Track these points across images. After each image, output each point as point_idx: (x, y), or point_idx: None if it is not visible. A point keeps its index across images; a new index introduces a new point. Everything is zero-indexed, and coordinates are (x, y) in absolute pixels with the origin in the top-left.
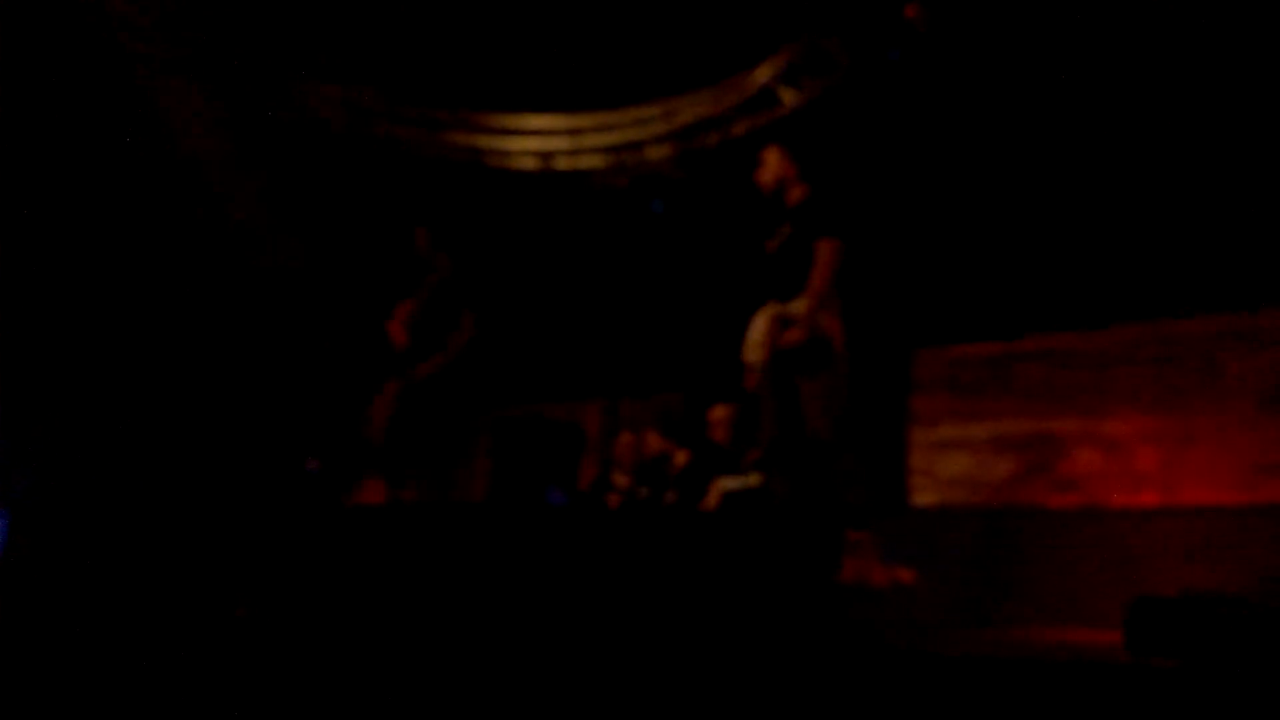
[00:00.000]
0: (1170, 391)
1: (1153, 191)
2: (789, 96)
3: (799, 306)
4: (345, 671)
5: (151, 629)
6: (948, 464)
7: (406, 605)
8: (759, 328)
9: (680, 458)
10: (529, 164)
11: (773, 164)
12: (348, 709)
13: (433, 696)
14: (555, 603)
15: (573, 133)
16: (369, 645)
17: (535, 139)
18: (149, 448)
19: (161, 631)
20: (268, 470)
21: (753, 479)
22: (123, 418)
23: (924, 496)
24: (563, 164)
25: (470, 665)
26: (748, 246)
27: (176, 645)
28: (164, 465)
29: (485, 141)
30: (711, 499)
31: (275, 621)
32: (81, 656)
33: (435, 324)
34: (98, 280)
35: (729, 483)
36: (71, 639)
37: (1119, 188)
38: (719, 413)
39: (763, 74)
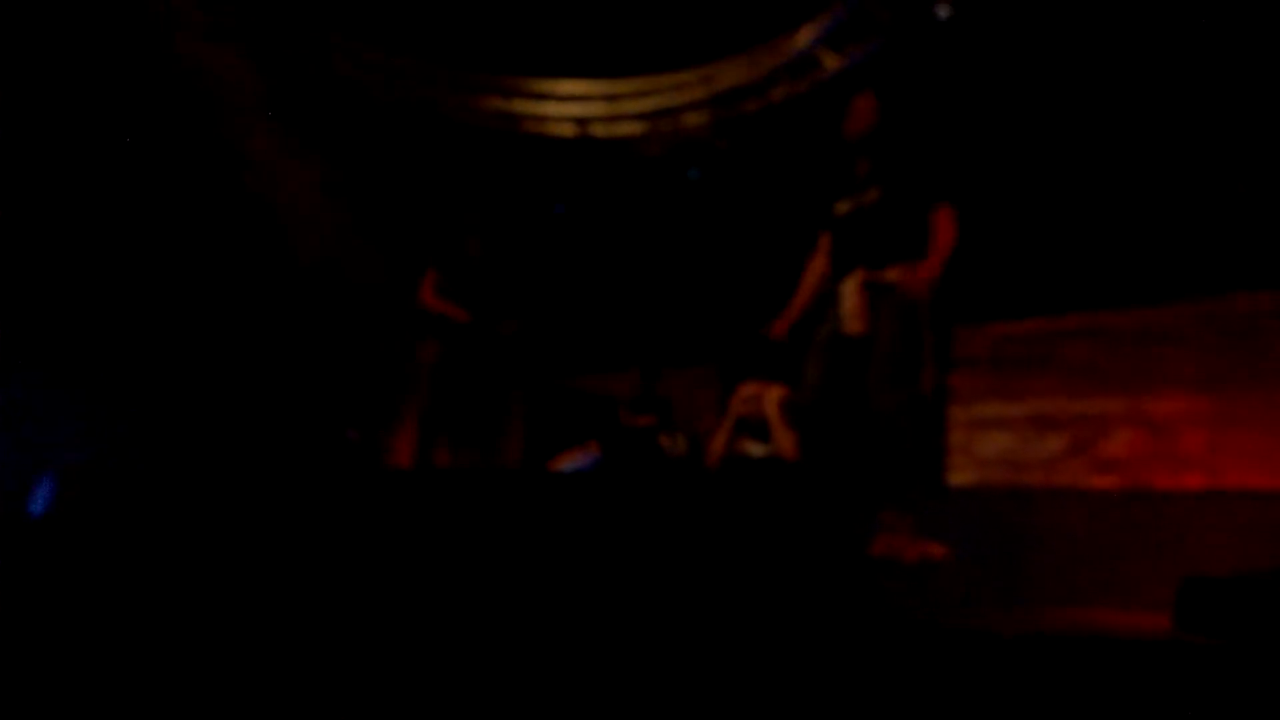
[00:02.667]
0: (1216, 372)
1: (1203, 166)
2: (830, 60)
3: (895, 274)
4: (375, 637)
5: (192, 599)
6: (987, 443)
7: (437, 569)
8: (852, 296)
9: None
10: (566, 130)
11: (865, 112)
12: (379, 672)
13: (457, 663)
14: (580, 568)
15: (610, 98)
16: (399, 612)
17: (572, 104)
18: (196, 418)
19: (201, 602)
20: (310, 440)
21: (756, 447)
22: (171, 389)
23: (962, 475)
24: (600, 130)
25: (499, 630)
26: (797, 211)
27: (217, 615)
28: (211, 435)
29: (522, 107)
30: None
31: (306, 588)
32: (118, 627)
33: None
34: (140, 249)
35: (755, 448)
36: (110, 609)
37: (1169, 161)
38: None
39: (803, 38)
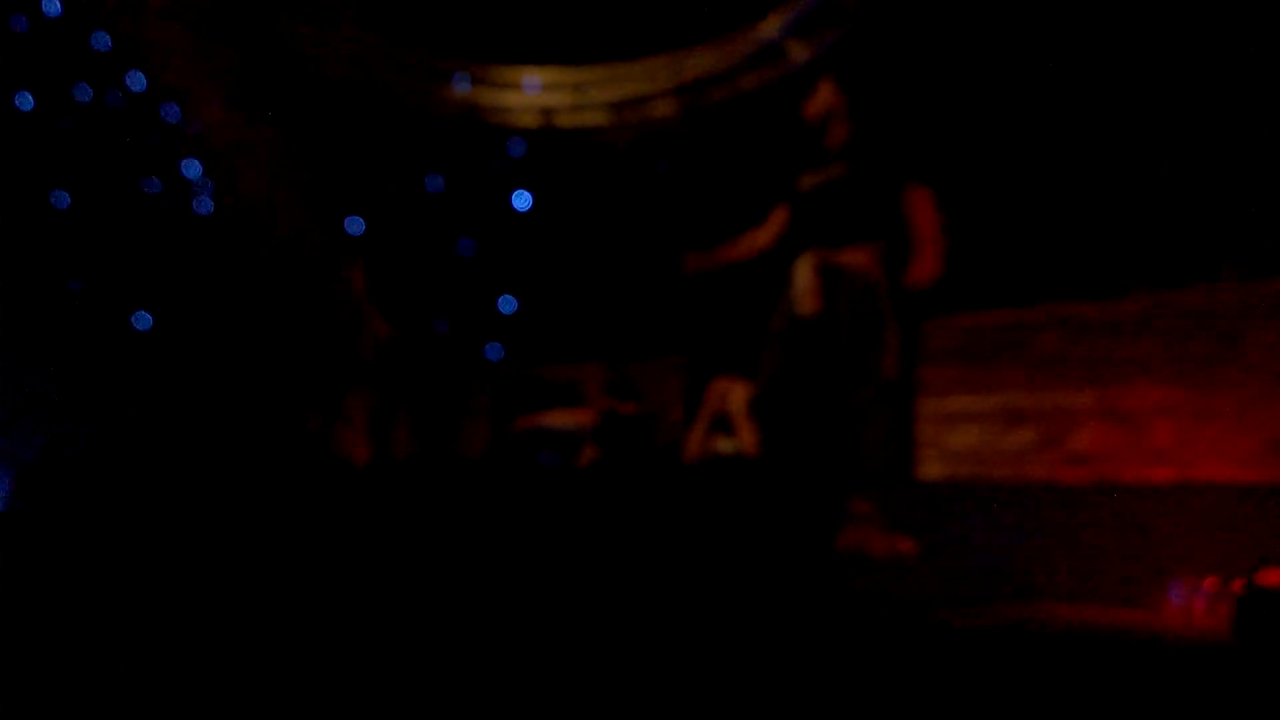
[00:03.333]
0: (1189, 364)
1: (1174, 155)
2: (799, 49)
3: (851, 257)
4: (347, 632)
5: (154, 596)
6: (957, 436)
7: (403, 559)
8: (805, 276)
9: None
10: (530, 120)
11: (825, 96)
12: (349, 669)
13: (427, 658)
14: (548, 561)
15: (576, 87)
16: (371, 604)
17: (537, 93)
18: (157, 413)
19: (162, 599)
20: (270, 432)
21: (725, 442)
22: (131, 382)
23: (931, 469)
24: (565, 120)
25: (469, 625)
26: (766, 200)
27: (178, 614)
28: (172, 429)
29: (486, 96)
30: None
31: (278, 581)
32: (84, 627)
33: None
34: (101, 241)
35: (725, 444)
36: (74, 607)
37: (1139, 150)
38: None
39: (770, 26)
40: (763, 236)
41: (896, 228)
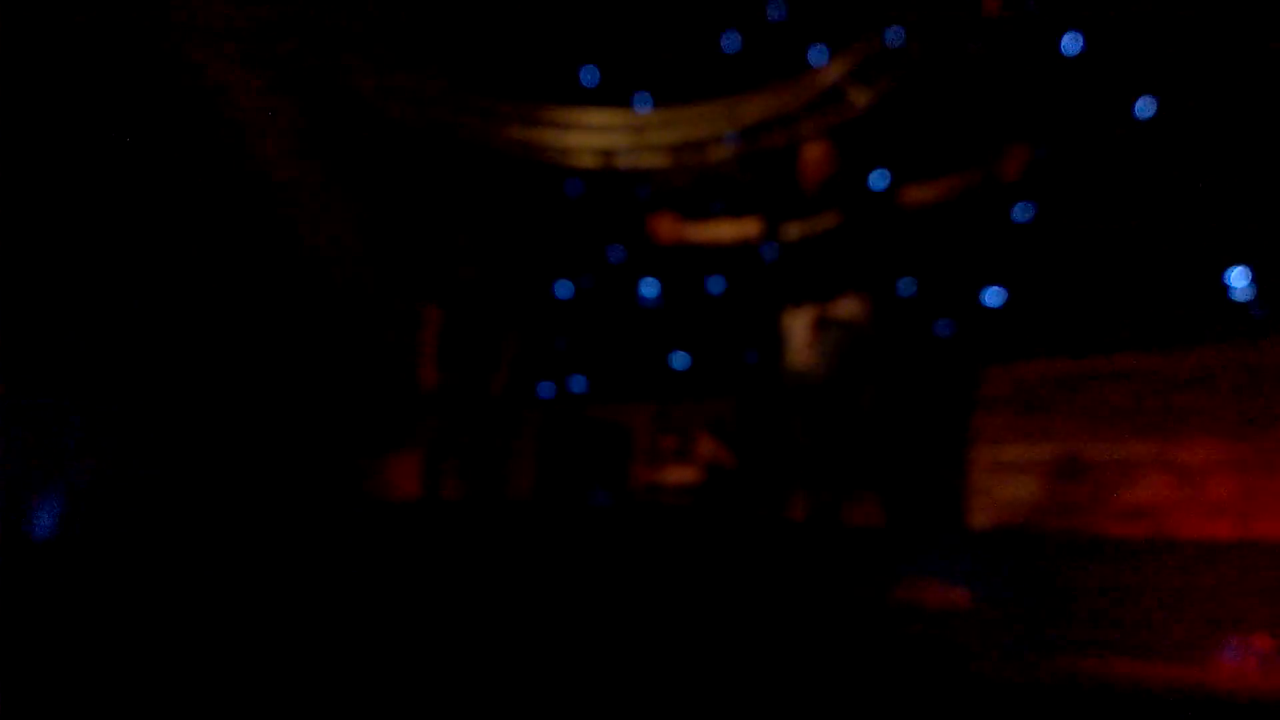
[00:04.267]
0: (1250, 419)
1: (1238, 208)
2: (859, 96)
3: (844, 307)
4: (377, 663)
5: (193, 628)
6: (1010, 485)
7: (445, 600)
8: (802, 331)
9: (728, 462)
10: (589, 161)
11: (818, 158)
12: (378, 700)
13: (461, 692)
14: (593, 602)
15: (635, 129)
16: (404, 638)
17: (597, 135)
18: (203, 442)
19: (201, 632)
20: (316, 467)
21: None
22: (180, 410)
23: (983, 518)
24: (624, 162)
25: (505, 662)
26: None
27: (215, 647)
28: (218, 460)
29: (546, 136)
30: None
31: (306, 613)
32: (118, 657)
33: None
34: (154, 266)
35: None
36: (112, 631)
37: (1203, 202)
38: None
39: (832, 72)
40: (729, 231)
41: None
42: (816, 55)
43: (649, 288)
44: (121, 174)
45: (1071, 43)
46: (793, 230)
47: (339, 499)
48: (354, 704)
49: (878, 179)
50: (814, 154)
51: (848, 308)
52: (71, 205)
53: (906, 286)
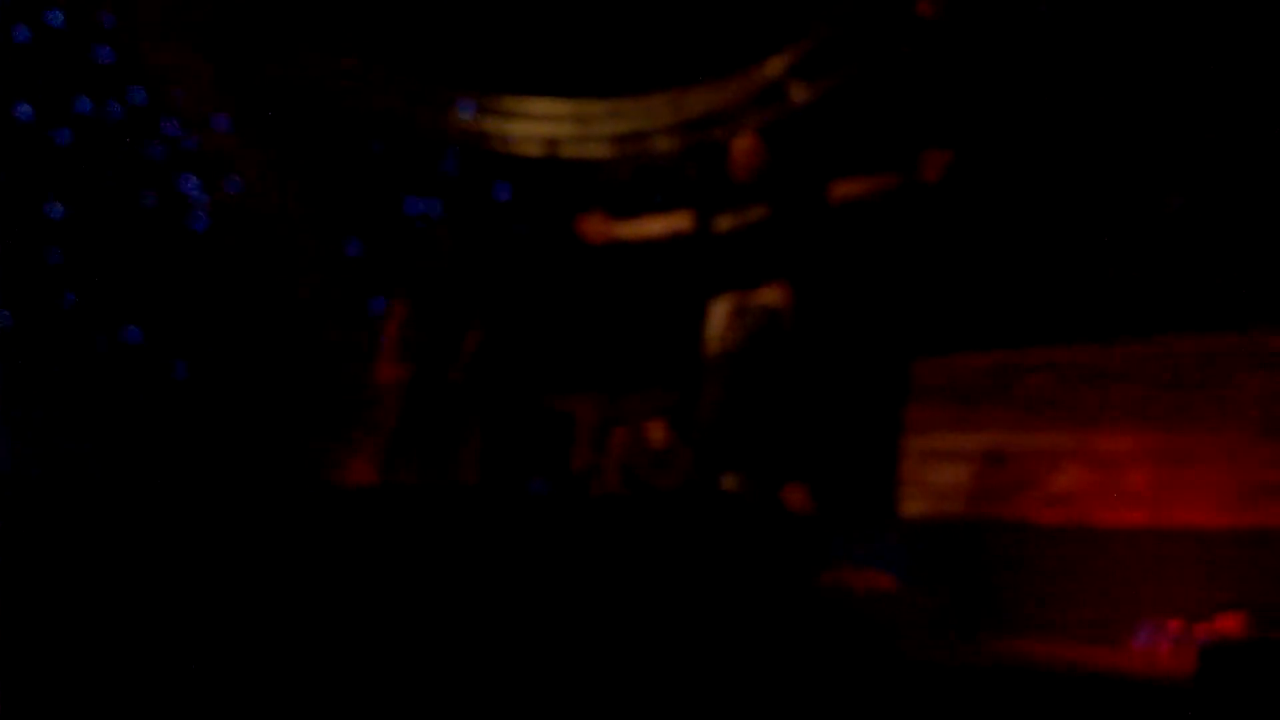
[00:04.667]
0: (1171, 410)
1: (1164, 205)
2: (799, 92)
3: (764, 295)
4: (333, 654)
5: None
6: (940, 474)
7: (393, 586)
8: (721, 317)
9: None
10: (534, 150)
11: (746, 150)
12: (337, 690)
13: (414, 681)
14: (536, 591)
15: (580, 119)
16: (356, 628)
17: (542, 123)
18: (148, 426)
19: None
20: (267, 452)
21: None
22: (125, 397)
23: (914, 506)
24: (568, 151)
25: (452, 649)
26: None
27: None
28: (157, 443)
29: (491, 125)
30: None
31: (263, 605)
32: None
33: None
34: (92, 249)
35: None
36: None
37: (1130, 199)
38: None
39: (774, 67)
40: (659, 226)
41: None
42: (760, 50)
43: (597, 277)
44: (64, 155)
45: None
46: (723, 222)
47: (289, 484)
48: (306, 685)
49: (807, 173)
50: (743, 146)
51: (768, 296)
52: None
53: (839, 278)
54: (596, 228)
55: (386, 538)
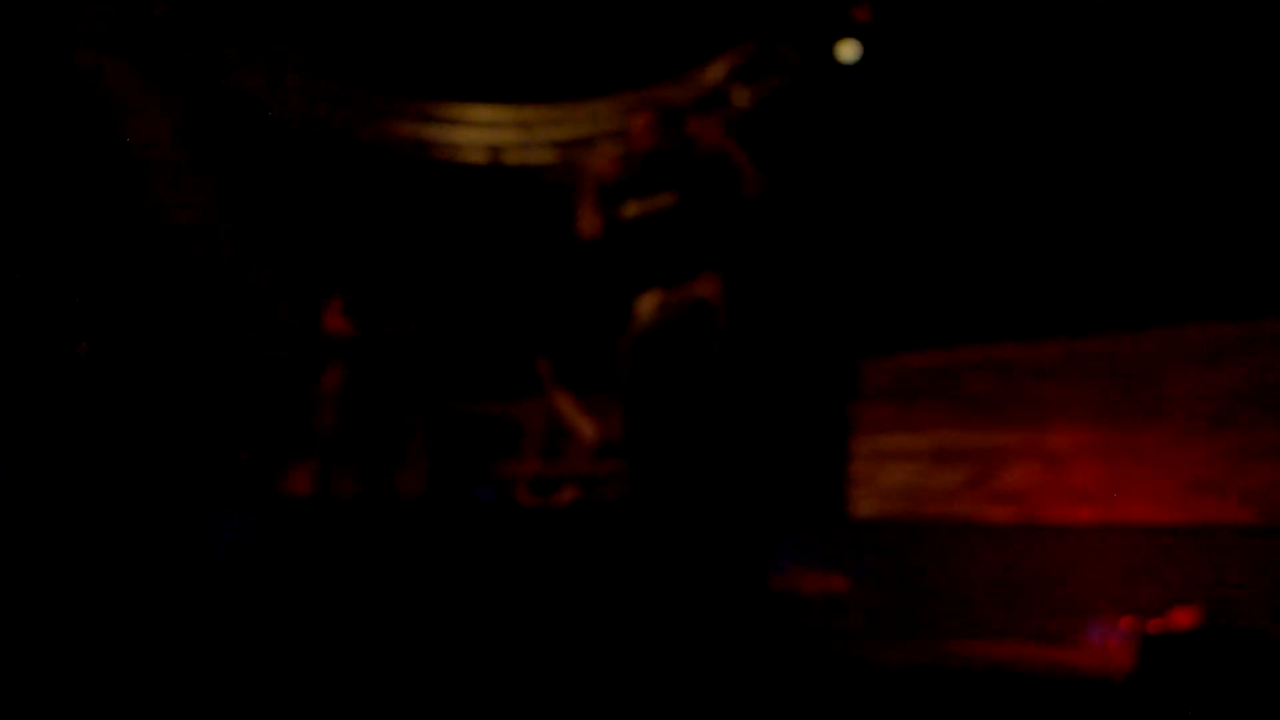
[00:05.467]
0: (1114, 406)
1: (1101, 204)
2: (740, 96)
3: (695, 289)
4: (278, 662)
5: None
6: (889, 474)
7: (340, 598)
8: (649, 312)
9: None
10: (478, 157)
11: (644, 130)
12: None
13: (362, 689)
14: (485, 599)
15: (523, 125)
16: (303, 639)
17: (485, 131)
18: (76, 433)
19: (92, 624)
20: (198, 461)
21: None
22: (51, 400)
23: (865, 506)
24: (512, 158)
25: (399, 658)
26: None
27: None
28: (90, 452)
29: (433, 132)
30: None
31: (207, 612)
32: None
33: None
34: (27, 256)
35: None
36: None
37: (1067, 199)
38: None
39: (715, 72)
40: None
41: (732, 254)
42: (703, 54)
43: (541, 283)
44: None
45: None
46: (631, 208)
47: (227, 492)
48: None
49: (717, 160)
50: (638, 123)
51: (697, 289)
52: None
53: (781, 276)
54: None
55: (322, 550)
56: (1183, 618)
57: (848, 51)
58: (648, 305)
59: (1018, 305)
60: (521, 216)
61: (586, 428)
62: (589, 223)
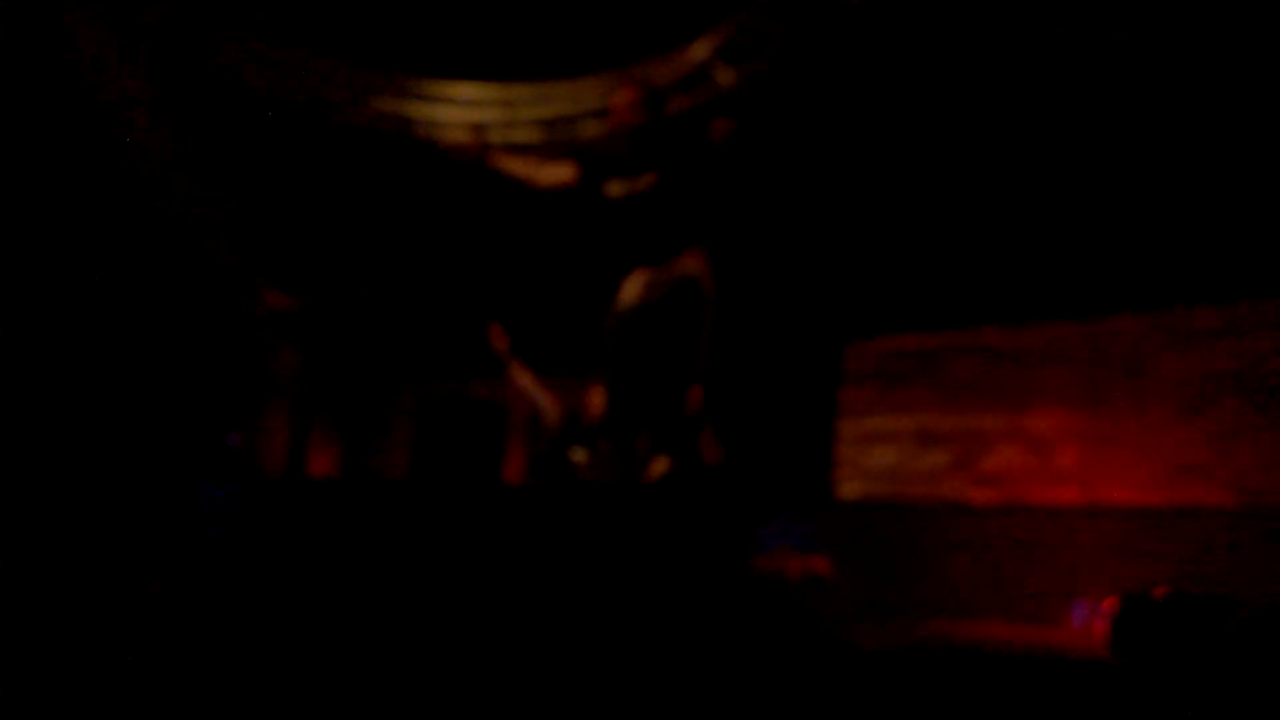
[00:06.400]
0: (1095, 390)
1: (1084, 190)
2: (724, 75)
3: (678, 266)
4: (269, 648)
5: (70, 606)
6: (874, 456)
7: (329, 579)
8: (635, 290)
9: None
10: (461, 136)
11: (625, 104)
12: (269, 681)
13: (349, 674)
14: (472, 581)
15: (506, 104)
16: (293, 621)
17: (468, 109)
18: (61, 419)
19: (79, 609)
20: (187, 443)
21: (579, 453)
22: (33, 388)
23: (850, 488)
24: (495, 137)
25: (388, 642)
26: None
27: (94, 624)
28: (77, 438)
29: (416, 110)
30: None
31: (196, 598)
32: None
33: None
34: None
35: (579, 455)
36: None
37: (1052, 185)
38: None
39: (699, 51)
40: (543, 174)
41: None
42: (688, 33)
43: (524, 261)
44: None
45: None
46: (614, 188)
47: (209, 472)
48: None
49: (700, 140)
50: (622, 99)
51: (682, 266)
52: None
53: (766, 258)
54: (496, 159)
55: (304, 530)
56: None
57: None
58: (634, 284)
59: (1000, 290)
60: (505, 195)
61: (549, 405)
62: (549, 172)
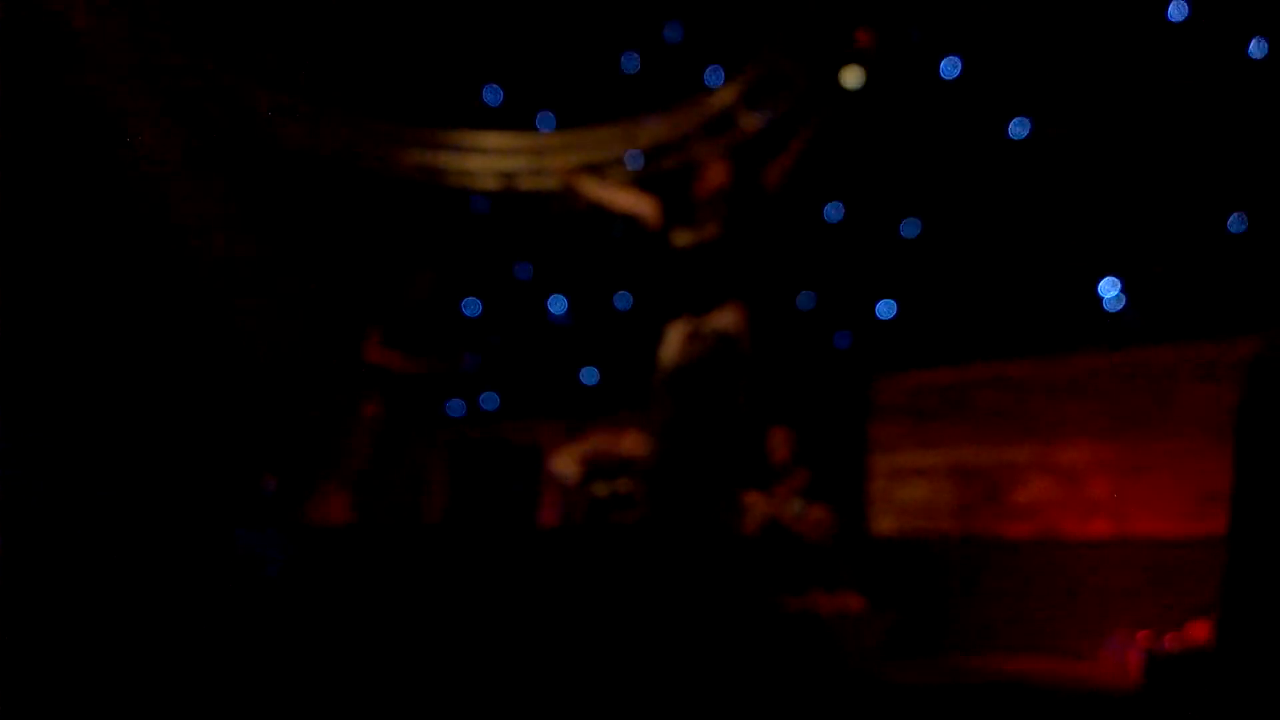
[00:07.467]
0: (1123, 421)
1: (1109, 222)
2: (749, 121)
3: (721, 319)
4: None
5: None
6: (906, 491)
7: (367, 624)
8: (677, 341)
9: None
10: (491, 184)
11: (716, 174)
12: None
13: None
14: (513, 621)
15: (534, 152)
16: (328, 663)
17: (497, 158)
18: (94, 460)
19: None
20: (221, 487)
21: (620, 484)
22: (66, 428)
23: (884, 523)
24: (525, 184)
25: (424, 681)
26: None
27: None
28: (109, 479)
29: (446, 160)
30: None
31: (231, 639)
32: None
33: (413, 346)
34: (39, 280)
35: (600, 488)
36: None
37: (1077, 217)
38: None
39: (723, 97)
40: (624, 199)
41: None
42: (712, 77)
43: (557, 305)
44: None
45: (950, 68)
46: (681, 238)
47: (253, 519)
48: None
49: (755, 194)
50: (716, 169)
51: (723, 319)
52: None
53: (799, 300)
54: (578, 183)
55: (358, 576)
56: (1198, 631)
57: (852, 78)
58: (677, 335)
59: (1027, 323)
60: (536, 242)
61: (646, 206)
62: (629, 198)
